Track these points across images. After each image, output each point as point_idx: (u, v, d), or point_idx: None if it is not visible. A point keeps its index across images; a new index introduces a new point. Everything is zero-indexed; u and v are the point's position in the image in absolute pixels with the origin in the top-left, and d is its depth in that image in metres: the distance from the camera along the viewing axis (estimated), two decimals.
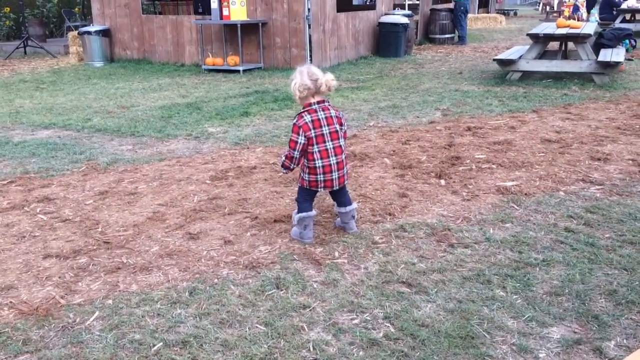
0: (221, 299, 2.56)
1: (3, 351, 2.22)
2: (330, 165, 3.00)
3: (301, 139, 2.94)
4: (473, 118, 5.96)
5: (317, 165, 2.98)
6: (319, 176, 3.00)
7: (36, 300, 2.58)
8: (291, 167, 3.05)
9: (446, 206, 3.59)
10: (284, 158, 3.05)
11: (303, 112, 2.99)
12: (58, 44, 13.92)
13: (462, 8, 13.83)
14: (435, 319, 2.37)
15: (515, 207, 3.55)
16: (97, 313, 2.47)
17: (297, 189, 3.19)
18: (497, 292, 2.56)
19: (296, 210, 3.14)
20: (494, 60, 8.52)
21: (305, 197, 3.12)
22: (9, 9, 15.93)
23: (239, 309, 2.48)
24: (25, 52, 12.94)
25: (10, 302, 2.57)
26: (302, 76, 2.94)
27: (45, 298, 2.60)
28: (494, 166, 4.33)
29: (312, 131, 2.94)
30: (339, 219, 3.29)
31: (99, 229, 3.35)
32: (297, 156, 2.98)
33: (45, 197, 3.88)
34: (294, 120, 2.99)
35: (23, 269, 2.89)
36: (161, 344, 2.24)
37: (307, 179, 3.04)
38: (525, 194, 3.75)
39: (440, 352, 2.16)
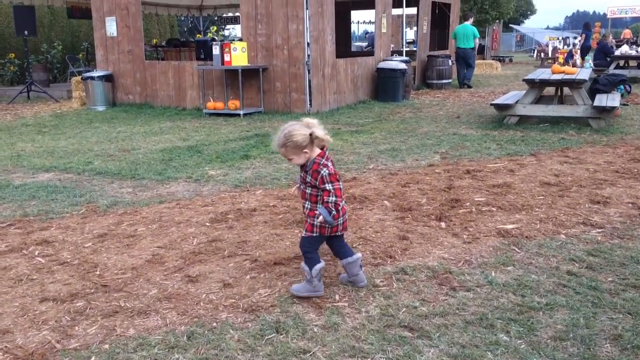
0: (220, 343, 2.52)
1: None
2: (344, 205, 2.95)
3: (341, 184, 2.88)
4: (472, 161, 6.00)
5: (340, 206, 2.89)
6: (340, 218, 2.90)
7: (32, 344, 2.53)
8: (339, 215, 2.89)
9: (447, 249, 3.57)
10: (334, 211, 2.83)
11: (322, 159, 2.85)
12: (61, 89, 14.14)
13: (456, 54, 14.51)
14: None
15: (517, 250, 3.54)
16: (93, 358, 2.42)
17: (300, 233, 3.10)
18: (500, 337, 2.52)
19: (305, 265, 2.93)
20: (491, 104, 8.65)
21: (315, 247, 2.96)
22: (13, 54, 16.27)
23: (238, 354, 2.43)
24: (28, 97, 13.14)
25: (6, 346, 2.52)
26: (302, 130, 2.78)
27: (41, 342, 2.55)
28: (494, 209, 4.33)
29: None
30: (344, 274, 3.10)
31: (97, 272, 3.32)
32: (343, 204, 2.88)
33: (44, 240, 3.86)
34: (325, 171, 2.81)
35: (19, 312, 2.84)
36: None
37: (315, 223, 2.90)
38: (526, 236, 3.74)
39: None
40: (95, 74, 11.39)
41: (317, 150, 2.85)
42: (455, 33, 14.71)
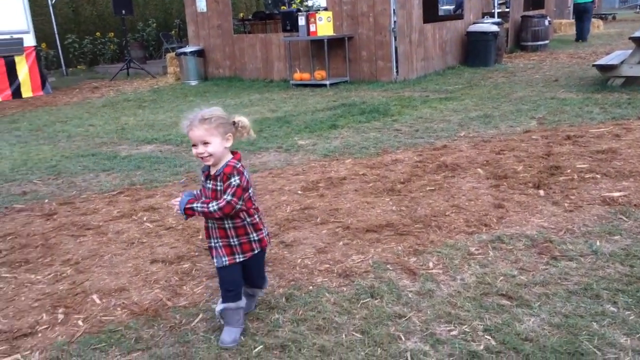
0: (317, 305, 2.60)
1: (118, 348, 2.38)
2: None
3: (242, 204, 2.29)
4: (572, 126, 5.67)
5: (258, 219, 2.40)
6: (264, 230, 2.42)
7: (146, 301, 2.75)
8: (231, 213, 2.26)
9: (546, 217, 3.43)
10: (232, 206, 2.23)
11: (239, 163, 2.30)
12: (157, 65, 14.85)
13: (576, 9, 15.17)
14: (539, 334, 2.26)
15: (624, 218, 3.33)
16: (200, 315, 2.59)
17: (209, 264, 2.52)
18: (607, 308, 2.41)
19: (228, 303, 2.35)
20: (593, 66, 8.09)
21: (237, 276, 2.37)
22: (112, 33, 17.24)
23: (335, 316, 2.50)
24: (127, 74, 13.93)
25: (123, 302, 2.75)
26: (226, 118, 2.30)
27: (154, 300, 2.76)
28: (598, 176, 4.08)
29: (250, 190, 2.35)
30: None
31: (200, 237, 3.51)
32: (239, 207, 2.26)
33: (150, 206, 4.13)
34: (235, 181, 2.22)
35: (133, 272, 3.08)
36: (261, 346, 2.31)
37: (253, 238, 2.36)
38: (635, 205, 3.51)
39: None
40: (187, 49, 11.84)
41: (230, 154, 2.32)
42: None
